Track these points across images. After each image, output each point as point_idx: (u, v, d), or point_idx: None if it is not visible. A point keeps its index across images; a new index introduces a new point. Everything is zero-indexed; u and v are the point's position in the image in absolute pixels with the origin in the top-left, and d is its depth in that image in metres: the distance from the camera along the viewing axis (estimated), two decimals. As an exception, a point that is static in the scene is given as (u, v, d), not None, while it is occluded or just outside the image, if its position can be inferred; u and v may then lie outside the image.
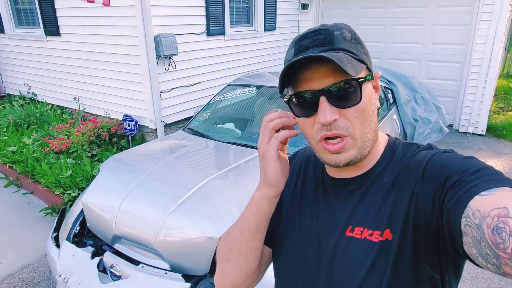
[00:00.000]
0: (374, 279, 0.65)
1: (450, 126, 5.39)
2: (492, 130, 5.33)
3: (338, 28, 0.65)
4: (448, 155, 0.64)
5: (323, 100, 0.63)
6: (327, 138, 0.65)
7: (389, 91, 3.51)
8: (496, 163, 4.35)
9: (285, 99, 0.68)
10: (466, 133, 5.31)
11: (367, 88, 0.66)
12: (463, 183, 0.55)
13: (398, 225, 0.64)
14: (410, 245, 0.62)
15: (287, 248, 0.80)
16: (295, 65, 0.63)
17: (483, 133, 5.23)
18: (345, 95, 0.63)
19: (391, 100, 3.47)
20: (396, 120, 3.41)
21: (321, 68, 0.63)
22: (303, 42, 0.65)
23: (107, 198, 2.21)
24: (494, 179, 0.54)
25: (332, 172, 0.76)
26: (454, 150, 0.67)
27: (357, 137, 0.65)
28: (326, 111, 0.63)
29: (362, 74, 0.65)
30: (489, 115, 5.30)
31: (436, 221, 0.59)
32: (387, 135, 0.77)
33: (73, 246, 2.10)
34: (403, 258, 0.63)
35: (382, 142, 0.74)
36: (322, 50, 0.62)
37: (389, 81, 3.62)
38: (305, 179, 0.82)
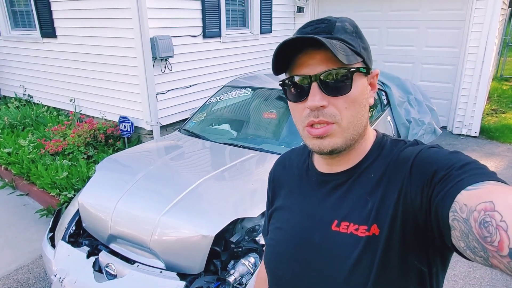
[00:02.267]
0: (361, 273, 0.65)
1: (444, 128, 5.43)
2: (486, 132, 5.39)
3: (341, 20, 0.68)
4: (434, 150, 0.65)
5: (314, 86, 0.65)
6: (313, 125, 0.67)
7: (383, 93, 3.55)
8: (489, 164, 4.39)
9: (280, 82, 0.71)
10: (459, 135, 5.36)
11: (360, 81, 0.68)
12: (450, 177, 0.56)
13: (386, 220, 0.64)
14: (398, 240, 0.63)
15: (274, 244, 0.81)
16: (292, 48, 0.65)
17: (477, 135, 5.28)
18: (335, 83, 0.65)
19: (385, 101, 3.51)
20: (390, 121, 3.45)
21: (317, 54, 0.65)
22: (305, 29, 0.68)
23: (102, 198, 2.22)
24: (479, 173, 0.55)
25: (320, 166, 0.77)
26: (440, 145, 0.68)
27: (344, 126, 0.67)
28: (316, 96, 0.65)
29: (357, 66, 0.67)
30: (482, 117, 5.35)
31: (424, 215, 0.60)
32: (375, 130, 0.78)
33: (69, 246, 2.11)
34: (391, 252, 0.64)
35: (371, 138, 0.74)
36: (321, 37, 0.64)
37: (383, 83, 3.67)
38: (292, 176, 0.84)
